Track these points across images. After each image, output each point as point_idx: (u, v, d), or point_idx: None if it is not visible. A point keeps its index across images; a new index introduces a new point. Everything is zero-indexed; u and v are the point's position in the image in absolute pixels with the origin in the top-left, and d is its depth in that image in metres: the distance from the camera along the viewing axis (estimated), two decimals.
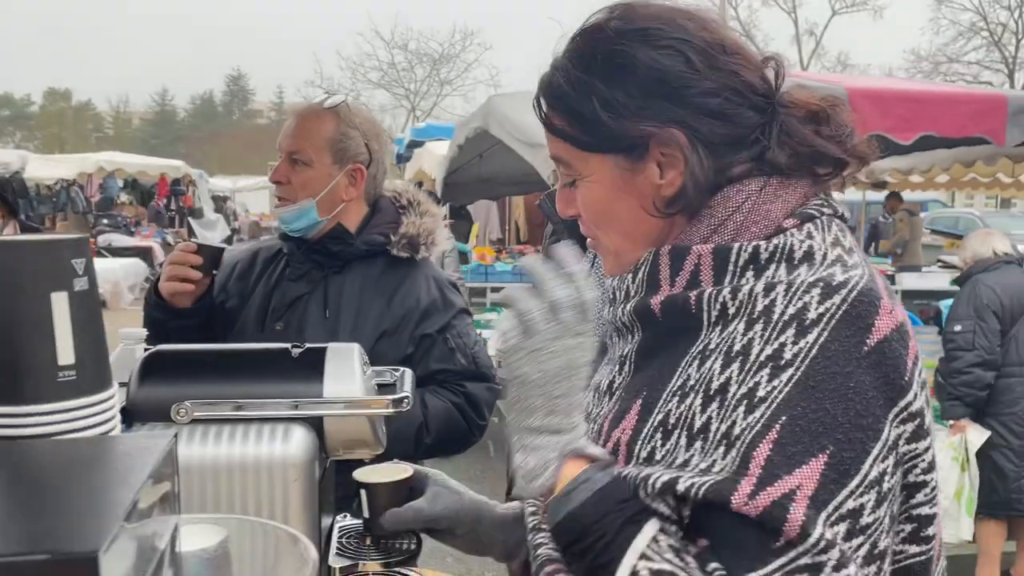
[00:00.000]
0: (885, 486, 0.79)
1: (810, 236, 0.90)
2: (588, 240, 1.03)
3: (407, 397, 1.12)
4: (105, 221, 16.46)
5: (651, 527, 0.79)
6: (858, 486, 0.77)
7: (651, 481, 0.81)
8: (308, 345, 1.15)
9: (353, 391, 1.09)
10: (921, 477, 0.85)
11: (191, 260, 1.77)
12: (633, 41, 0.91)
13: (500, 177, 7.77)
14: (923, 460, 0.85)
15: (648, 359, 0.95)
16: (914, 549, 0.87)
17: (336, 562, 1.09)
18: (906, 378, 0.82)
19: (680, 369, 0.89)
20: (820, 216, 0.92)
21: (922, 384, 0.85)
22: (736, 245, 0.90)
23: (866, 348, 0.80)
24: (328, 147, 1.85)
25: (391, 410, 1.09)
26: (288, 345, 1.15)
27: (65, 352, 0.60)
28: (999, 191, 8.94)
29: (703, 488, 0.78)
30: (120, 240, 14.96)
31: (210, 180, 24.63)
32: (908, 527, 0.87)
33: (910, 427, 0.82)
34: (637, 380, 0.95)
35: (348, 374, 1.11)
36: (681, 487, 0.79)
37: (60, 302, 0.59)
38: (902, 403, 0.82)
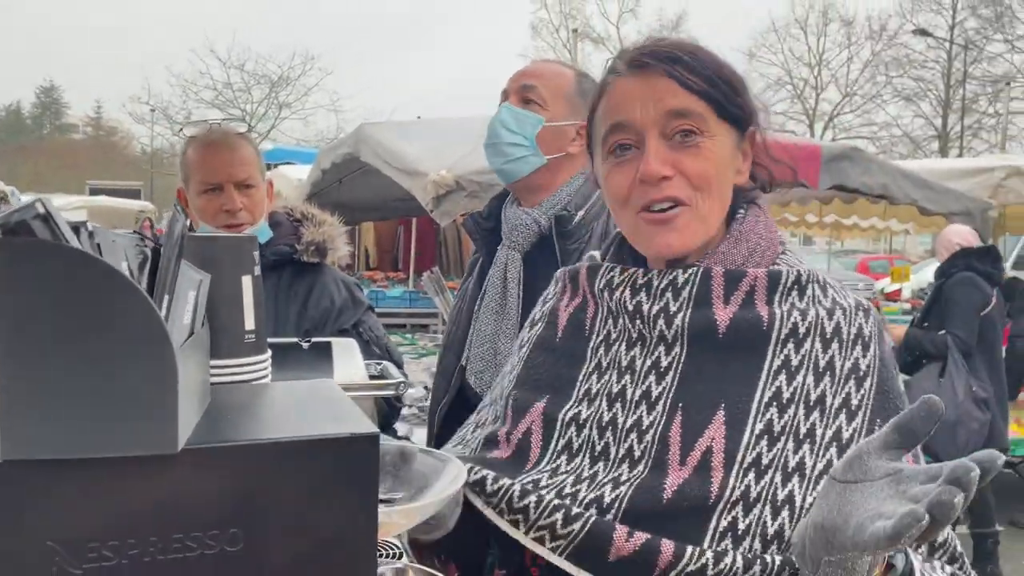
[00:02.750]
0: None
1: (796, 259, 1.05)
2: (651, 215, 1.01)
3: (404, 381, 1.34)
4: None
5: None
6: None
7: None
8: (314, 339, 1.35)
9: (360, 377, 1.30)
10: None
11: None
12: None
13: (357, 203, 7.92)
14: None
15: (703, 373, 0.97)
16: None
17: None
18: None
19: (763, 382, 0.95)
20: (785, 248, 1.07)
21: None
22: (784, 270, 1.00)
23: (892, 350, 1.01)
24: (258, 169, 2.02)
25: (394, 392, 1.31)
26: (298, 339, 1.34)
27: (249, 321, 0.80)
28: (804, 229, 10.03)
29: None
30: None
31: (22, 198, 22.88)
32: None
33: None
34: (698, 391, 0.97)
35: (353, 363, 1.32)
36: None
37: (247, 283, 0.80)
38: None
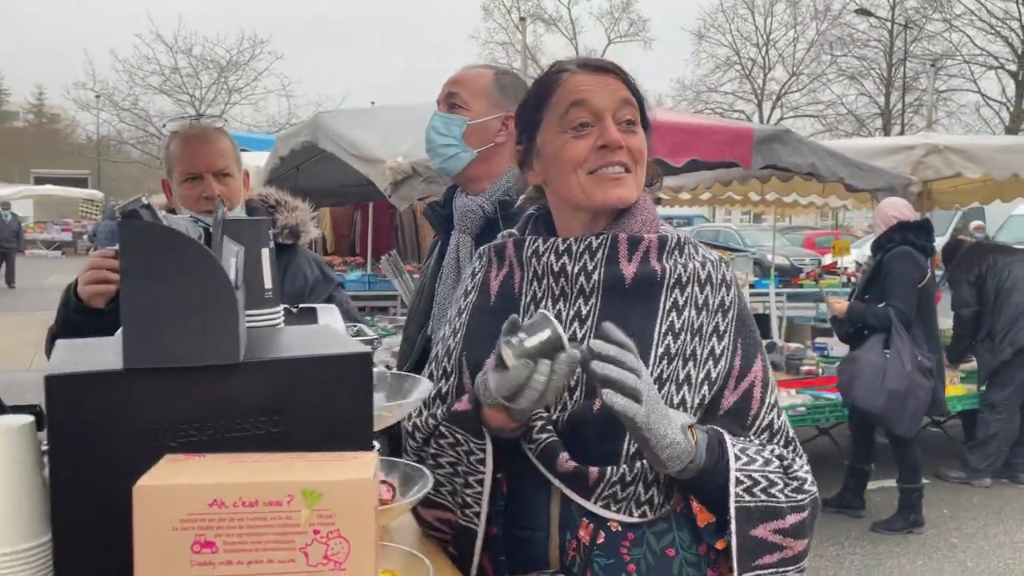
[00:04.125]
0: None
1: (671, 229, 1.37)
2: (602, 174, 1.29)
3: (377, 338, 1.63)
4: None
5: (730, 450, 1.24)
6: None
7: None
8: (302, 305, 1.63)
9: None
10: None
11: (111, 264, 1.94)
12: None
13: (315, 189, 8.12)
14: None
15: (613, 314, 1.26)
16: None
17: None
18: None
19: (659, 318, 1.28)
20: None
21: None
22: (668, 234, 1.32)
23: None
24: (235, 160, 2.27)
25: (370, 348, 1.59)
26: (286, 306, 1.62)
27: (267, 281, 1.09)
28: (751, 207, 10.47)
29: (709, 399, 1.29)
30: None
31: None
32: None
33: None
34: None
35: (337, 325, 1.60)
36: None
37: (265, 254, 1.09)
38: None
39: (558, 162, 1.31)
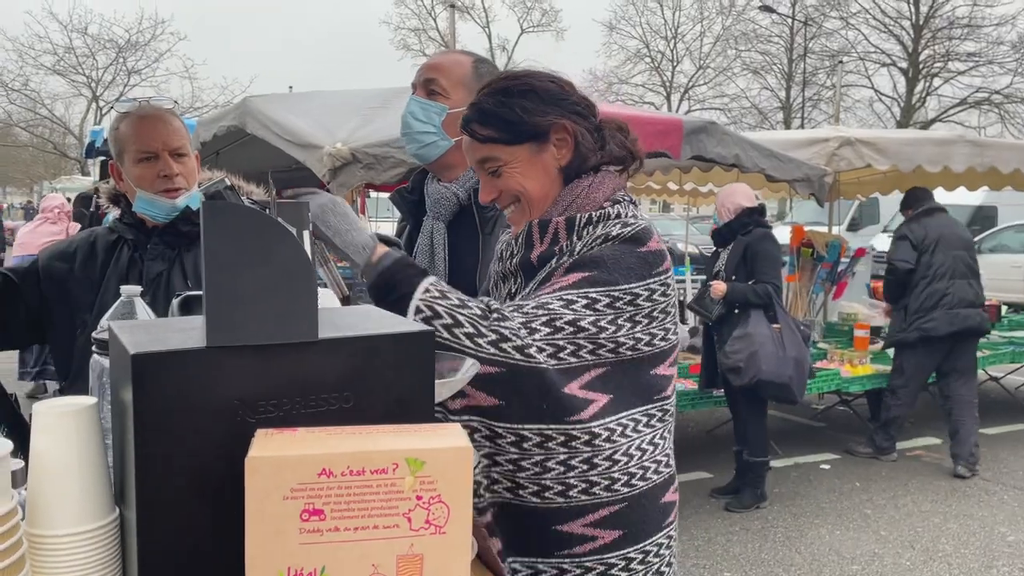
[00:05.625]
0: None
1: (618, 212, 1.52)
2: (508, 213, 1.60)
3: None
4: None
5: (428, 280, 1.38)
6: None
7: None
8: None
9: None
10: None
11: None
12: (530, 78, 1.57)
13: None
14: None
15: (526, 290, 1.52)
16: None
17: None
18: (657, 271, 1.48)
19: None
20: (623, 201, 1.56)
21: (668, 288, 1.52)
22: (578, 215, 1.50)
23: (640, 252, 1.47)
24: (189, 141, 2.23)
25: None
26: None
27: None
28: (666, 197, 10.77)
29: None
30: None
31: None
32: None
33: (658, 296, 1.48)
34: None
35: (328, 298, 1.62)
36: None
37: (306, 236, 1.11)
38: (651, 281, 1.47)
39: None
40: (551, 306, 1.37)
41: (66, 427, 0.88)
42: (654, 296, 1.46)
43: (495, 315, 1.35)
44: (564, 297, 1.38)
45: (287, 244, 0.87)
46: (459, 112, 1.98)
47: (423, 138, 2.03)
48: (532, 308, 1.37)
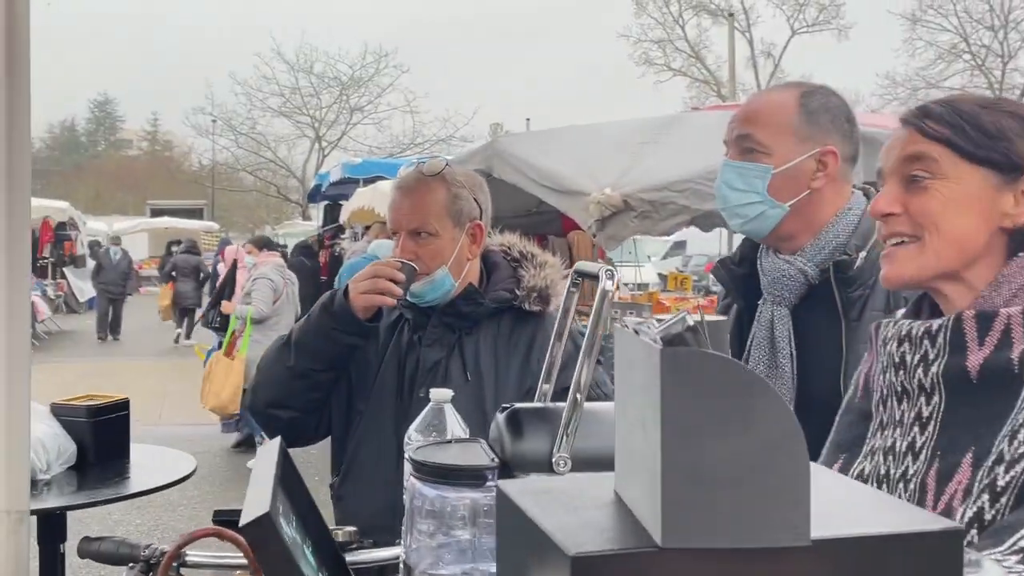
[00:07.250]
0: None
1: None
2: (885, 250, 1.26)
3: None
4: None
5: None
6: None
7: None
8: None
9: None
10: None
11: (396, 276, 1.97)
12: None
13: None
14: None
15: (959, 419, 1.12)
16: None
17: None
18: None
19: (1001, 434, 1.06)
20: None
21: None
22: None
23: None
24: (447, 213, 2.06)
25: None
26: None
27: None
28: None
29: None
30: None
31: (87, 223, 23.99)
32: None
33: None
34: (952, 439, 1.11)
35: None
36: None
37: None
38: None
39: None
40: None
41: None
42: None
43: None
44: None
45: (772, 405, 0.68)
46: (788, 169, 1.75)
47: (747, 211, 1.78)
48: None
